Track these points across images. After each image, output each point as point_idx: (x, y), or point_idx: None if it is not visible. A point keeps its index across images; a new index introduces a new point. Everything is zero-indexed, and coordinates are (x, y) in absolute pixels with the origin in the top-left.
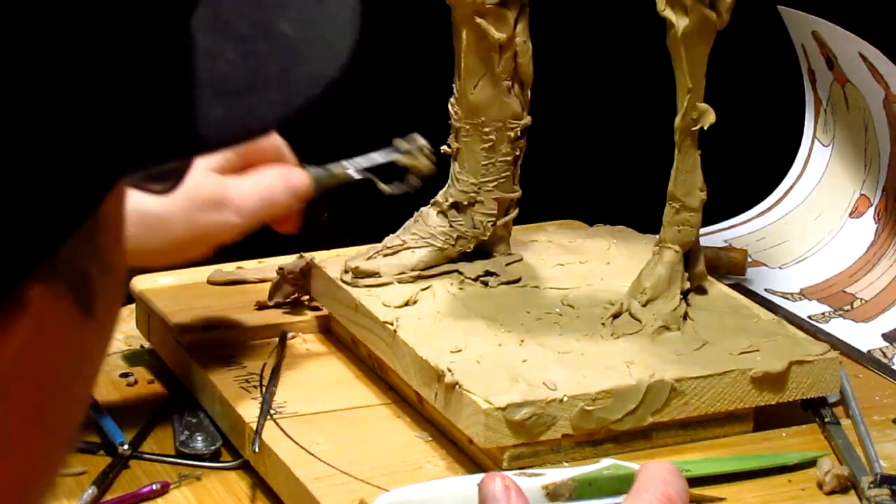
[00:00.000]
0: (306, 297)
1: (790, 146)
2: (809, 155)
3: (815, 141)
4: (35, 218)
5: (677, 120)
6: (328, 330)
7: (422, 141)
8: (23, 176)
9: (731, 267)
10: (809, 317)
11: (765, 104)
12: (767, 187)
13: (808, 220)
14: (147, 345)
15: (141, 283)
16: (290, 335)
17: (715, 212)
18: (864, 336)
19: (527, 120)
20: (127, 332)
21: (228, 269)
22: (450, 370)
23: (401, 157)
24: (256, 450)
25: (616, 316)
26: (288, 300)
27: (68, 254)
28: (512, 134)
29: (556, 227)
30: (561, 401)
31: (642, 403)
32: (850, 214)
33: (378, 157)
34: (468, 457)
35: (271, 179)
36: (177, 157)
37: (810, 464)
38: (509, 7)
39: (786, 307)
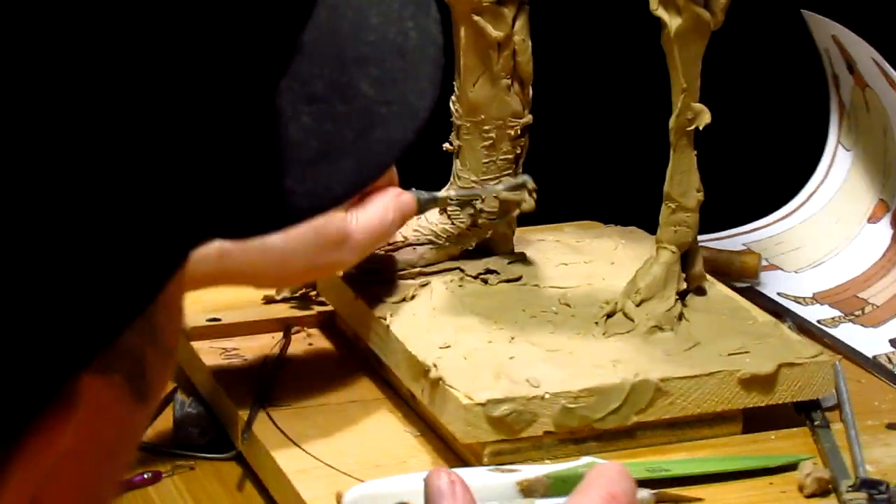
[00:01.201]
0: (314, 292)
1: (814, 151)
2: (833, 160)
3: (839, 146)
4: (93, 308)
5: (672, 120)
6: (333, 325)
7: (531, 183)
8: (85, 261)
9: (744, 271)
10: (819, 321)
11: (789, 108)
12: (790, 191)
13: (828, 225)
14: None
15: None
16: (294, 329)
17: (737, 215)
18: (872, 341)
19: (527, 118)
20: None
21: None
22: (435, 365)
23: (508, 194)
24: (246, 440)
25: (610, 315)
26: (296, 294)
27: (124, 341)
28: (512, 132)
29: (573, 228)
30: (542, 398)
31: (626, 402)
32: (869, 219)
33: (484, 190)
34: (454, 452)
35: (385, 210)
36: (246, 235)
37: (794, 466)
38: (507, 5)
39: (796, 311)
